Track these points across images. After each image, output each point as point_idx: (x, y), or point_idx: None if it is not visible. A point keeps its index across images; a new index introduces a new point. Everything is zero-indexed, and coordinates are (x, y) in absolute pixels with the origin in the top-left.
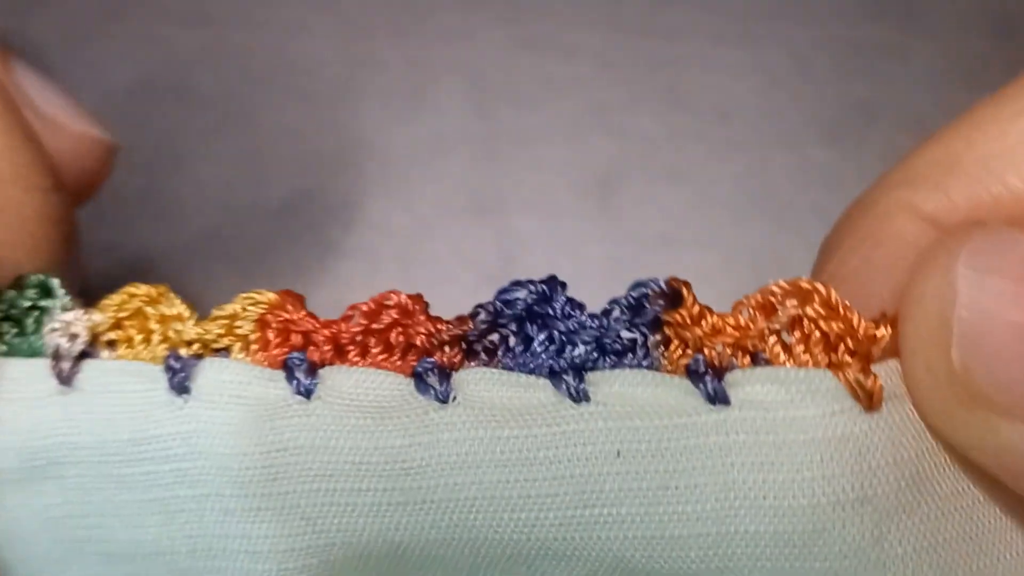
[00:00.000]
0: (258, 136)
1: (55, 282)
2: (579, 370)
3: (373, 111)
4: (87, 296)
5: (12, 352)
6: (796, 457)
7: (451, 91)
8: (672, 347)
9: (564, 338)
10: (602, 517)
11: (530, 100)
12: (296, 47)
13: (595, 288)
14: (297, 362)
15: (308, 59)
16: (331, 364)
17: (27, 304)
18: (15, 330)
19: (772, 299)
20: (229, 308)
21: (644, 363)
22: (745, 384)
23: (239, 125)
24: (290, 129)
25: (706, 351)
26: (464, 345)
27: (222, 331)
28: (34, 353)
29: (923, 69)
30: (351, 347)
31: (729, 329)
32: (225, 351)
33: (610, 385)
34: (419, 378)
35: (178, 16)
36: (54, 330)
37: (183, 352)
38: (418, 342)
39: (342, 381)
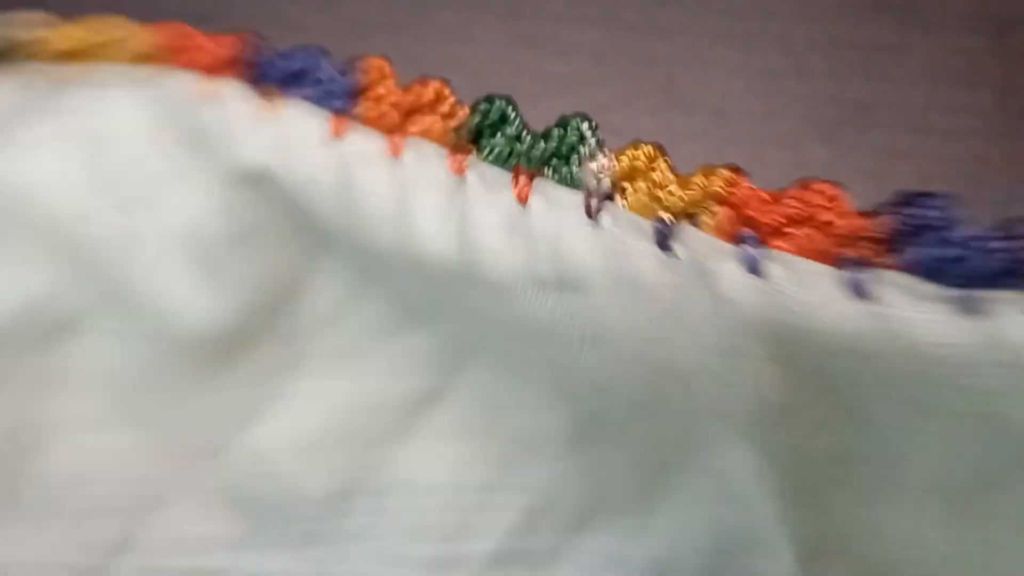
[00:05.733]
0: None
1: (589, 125)
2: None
3: None
4: None
5: (560, 183)
6: None
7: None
8: None
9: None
10: None
11: (528, 98)
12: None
13: None
14: (748, 238)
15: None
16: (768, 245)
17: (571, 142)
18: (562, 163)
19: None
20: (699, 179)
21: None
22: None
23: None
24: None
25: None
26: (878, 243)
27: (696, 203)
28: (572, 186)
29: (920, 68)
30: (788, 228)
31: None
32: (692, 219)
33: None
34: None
35: (176, 14)
36: (591, 170)
37: (665, 216)
38: (841, 231)
39: (780, 266)
